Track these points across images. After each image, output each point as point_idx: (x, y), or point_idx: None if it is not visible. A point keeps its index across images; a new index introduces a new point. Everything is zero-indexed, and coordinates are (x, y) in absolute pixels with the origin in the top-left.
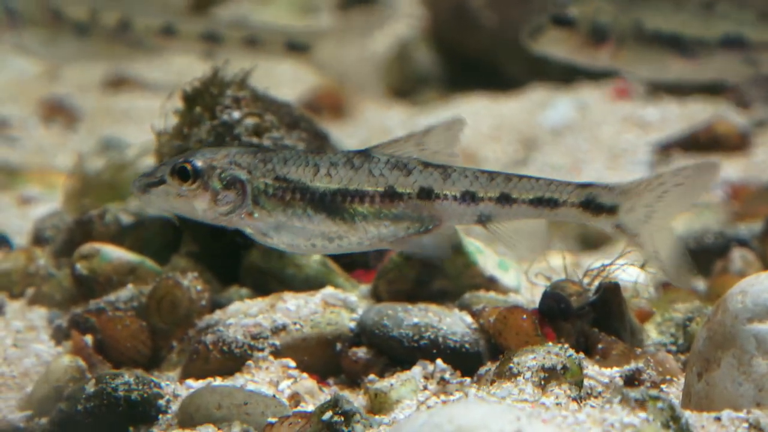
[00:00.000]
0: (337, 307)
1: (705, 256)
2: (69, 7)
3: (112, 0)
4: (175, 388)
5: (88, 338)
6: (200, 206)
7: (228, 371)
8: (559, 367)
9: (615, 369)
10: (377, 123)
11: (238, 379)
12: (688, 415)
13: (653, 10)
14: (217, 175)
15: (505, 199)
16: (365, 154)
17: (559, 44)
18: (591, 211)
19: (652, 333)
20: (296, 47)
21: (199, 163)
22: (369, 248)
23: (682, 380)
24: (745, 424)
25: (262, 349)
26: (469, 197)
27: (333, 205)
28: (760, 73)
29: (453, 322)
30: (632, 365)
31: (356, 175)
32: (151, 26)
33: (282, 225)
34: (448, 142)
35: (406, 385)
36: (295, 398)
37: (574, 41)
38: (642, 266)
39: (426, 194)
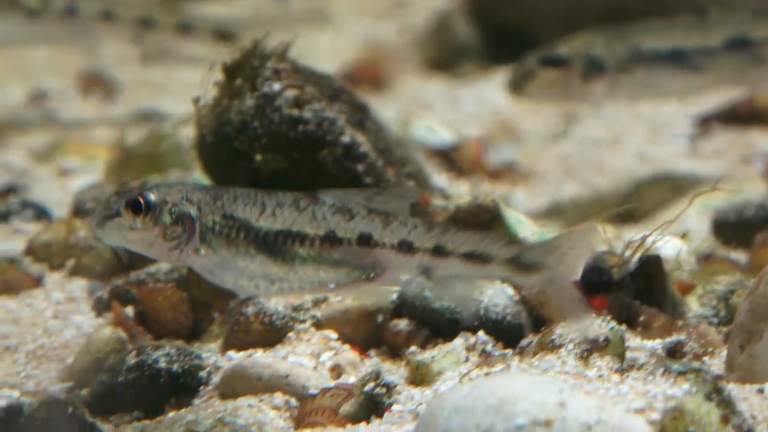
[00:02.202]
0: None
1: (746, 229)
2: None
3: None
4: (216, 359)
5: (129, 310)
6: (149, 240)
7: (269, 343)
8: (601, 339)
9: (657, 341)
10: (416, 95)
11: (280, 351)
12: (731, 387)
13: (646, 32)
14: (167, 210)
15: (439, 251)
16: (313, 196)
17: (552, 86)
18: (520, 270)
19: (693, 305)
20: (223, 35)
21: (152, 197)
22: (311, 293)
23: (724, 352)
24: None
25: (304, 321)
26: (406, 247)
27: (275, 246)
28: None
29: (495, 294)
30: (674, 337)
31: (299, 216)
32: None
33: (226, 263)
34: (398, 206)
35: (447, 357)
36: (337, 370)
37: (569, 79)
38: (683, 237)
39: (366, 241)
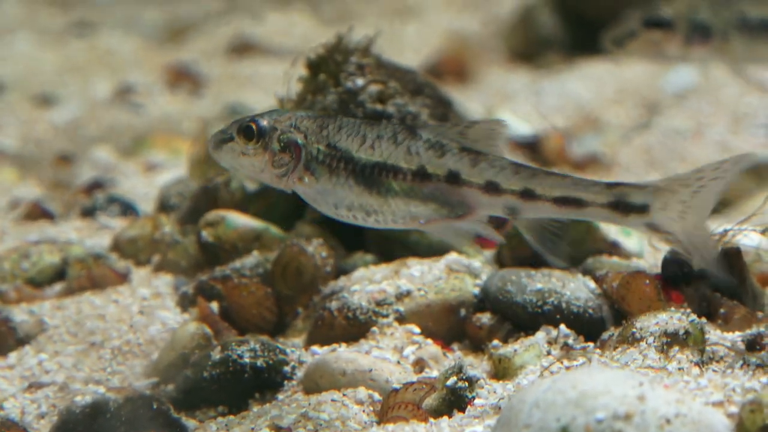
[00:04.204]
0: (461, 273)
1: None
2: None
3: None
4: (300, 354)
5: (214, 305)
6: (259, 166)
7: (353, 337)
8: (681, 332)
9: (737, 333)
10: (500, 87)
11: (363, 345)
12: None
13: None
14: (277, 137)
15: (528, 194)
16: (411, 130)
17: (654, 47)
18: (620, 212)
19: None
20: None
21: (263, 123)
22: (403, 226)
23: None
24: None
25: (387, 315)
26: (492, 187)
27: (371, 177)
28: None
29: (576, 288)
30: (754, 329)
31: (396, 150)
32: None
33: (327, 192)
34: (488, 139)
35: (529, 351)
36: (420, 364)
37: (672, 42)
38: (764, 231)
39: (453, 178)
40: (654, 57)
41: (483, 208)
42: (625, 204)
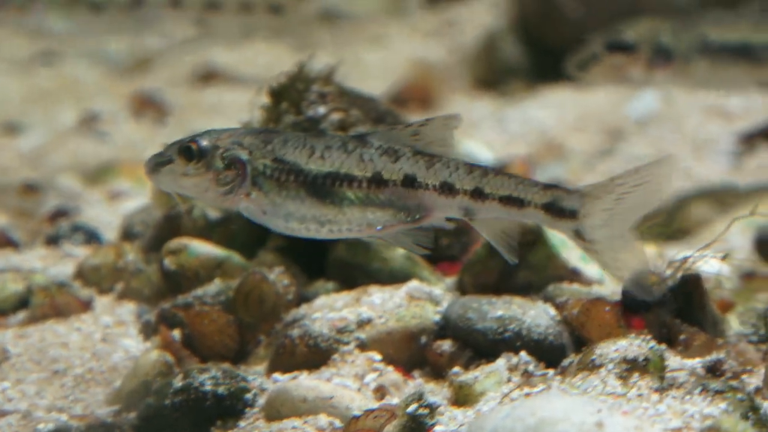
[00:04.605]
0: (422, 300)
1: None
2: None
3: None
4: (262, 381)
5: (176, 333)
6: (203, 185)
7: (314, 365)
8: (641, 358)
9: (697, 360)
10: (464, 114)
11: (324, 373)
12: None
13: (711, 24)
14: (219, 155)
15: (478, 194)
16: (361, 138)
17: (617, 71)
18: (553, 215)
19: (733, 323)
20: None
21: (204, 143)
22: (359, 235)
23: (763, 370)
24: None
25: (348, 343)
26: (447, 188)
27: (324, 188)
28: None
29: (537, 315)
30: (714, 356)
31: (347, 159)
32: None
33: (277, 206)
34: (445, 135)
35: (490, 378)
36: (381, 391)
37: (635, 66)
38: (724, 259)
39: (410, 182)
40: (617, 81)
41: (439, 209)
42: (558, 208)
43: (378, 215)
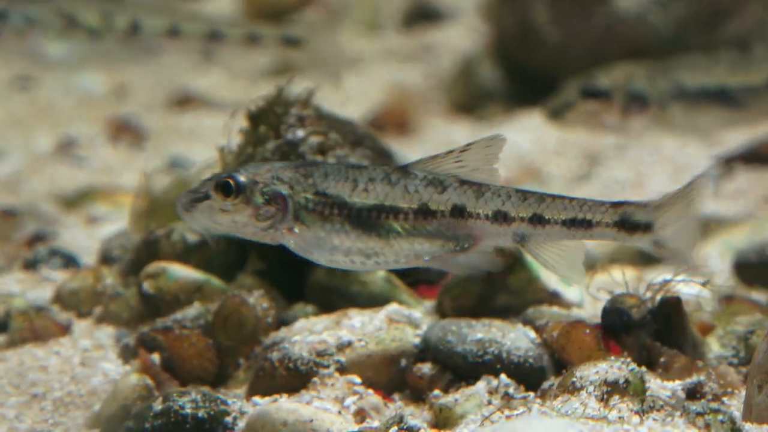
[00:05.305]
0: (402, 323)
1: (766, 269)
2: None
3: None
4: (241, 405)
5: (156, 356)
6: (242, 221)
7: (294, 388)
8: (621, 381)
9: (677, 382)
10: (442, 139)
11: (304, 396)
12: (749, 428)
13: (686, 68)
14: (259, 190)
15: (537, 220)
16: (404, 170)
17: (591, 117)
18: (626, 230)
19: (713, 346)
20: (291, 41)
21: (242, 179)
22: (406, 265)
23: (743, 393)
24: None
25: (328, 366)
26: (501, 217)
27: (369, 221)
28: None
29: (517, 337)
30: (694, 378)
31: (392, 191)
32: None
33: (321, 240)
34: (488, 158)
35: (470, 400)
36: (361, 414)
37: (608, 112)
38: (704, 285)
39: (459, 212)
40: (592, 127)
41: (491, 237)
42: (633, 223)
43: (426, 246)
